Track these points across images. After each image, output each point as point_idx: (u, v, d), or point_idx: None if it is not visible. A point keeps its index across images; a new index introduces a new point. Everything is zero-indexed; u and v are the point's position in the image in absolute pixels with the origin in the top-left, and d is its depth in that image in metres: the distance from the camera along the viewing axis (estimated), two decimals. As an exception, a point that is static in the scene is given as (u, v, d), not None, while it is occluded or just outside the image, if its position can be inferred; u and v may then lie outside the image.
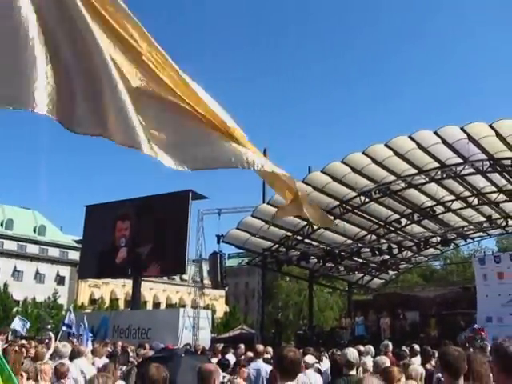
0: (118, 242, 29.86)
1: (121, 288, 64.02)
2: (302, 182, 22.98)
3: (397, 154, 21.54)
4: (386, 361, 6.93)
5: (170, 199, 28.36)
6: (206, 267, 27.74)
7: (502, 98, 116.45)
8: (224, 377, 8.49)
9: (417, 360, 10.07)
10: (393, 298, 28.69)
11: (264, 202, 25.60)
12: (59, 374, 6.86)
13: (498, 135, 19.47)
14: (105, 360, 10.76)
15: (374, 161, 22.00)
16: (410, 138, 20.60)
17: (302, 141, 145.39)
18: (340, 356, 7.23)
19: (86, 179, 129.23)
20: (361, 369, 7.47)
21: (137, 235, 29.21)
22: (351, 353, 6.61)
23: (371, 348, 11.34)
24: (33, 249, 63.71)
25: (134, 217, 29.81)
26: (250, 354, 11.30)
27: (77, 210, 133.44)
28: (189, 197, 27.58)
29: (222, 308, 71.28)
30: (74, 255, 59.53)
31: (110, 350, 13.15)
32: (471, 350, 11.49)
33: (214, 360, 9.69)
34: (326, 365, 9.92)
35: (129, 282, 36.75)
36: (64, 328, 17.97)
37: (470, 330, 18.23)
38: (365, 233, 27.75)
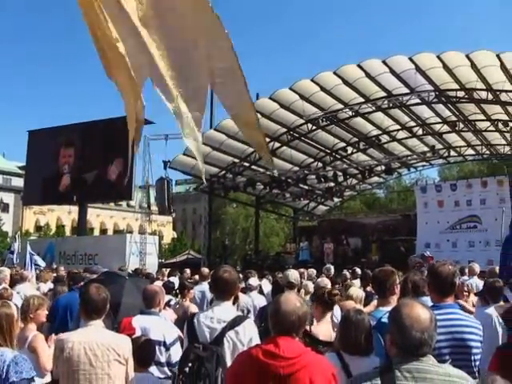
0: (61, 168, 29.28)
1: (67, 215, 63.36)
2: (250, 108, 22.84)
3: (345, 82, 21.52)
4: (327, 282, 7.14)
5: (115, 124, 27.64)
6: (153, 193, 27.58)
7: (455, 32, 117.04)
8: (170, 300, 8.63)
9: (357, 282, 10.43)
10: (337, 225, 29.42)
11: (211, 128, 25.40)
12: (3, 299, 6.80)
13: (445, 67, 19.61)
14: (50, 285, 10.78)
15: (322, 88, 21.95)
16: (359, 66, 20.54)
17: (250, 66, 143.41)
18: (281, 277, 7.42)
19: (28, 105, 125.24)
20: (302, 290, 7.68)
21: (81, 161, 28.62)
22: (292, 274, 6.78)
23: (313, 271, 11.72)
24: (-26, 175, 62.04)
25: (79, 142, 29.10)
26: (197, 277, 11.52)
27: (19, 135, 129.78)
28: (135, 122, 27.04)
29: (169, 234, 71.70)
30: (18, 182, 58.03)
31: (56, 275, 13.15)
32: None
33: (160, 283, 9.81)
34: (267, 287, 10.18)
35: (75, 209, 36.32)
36: (10, 255, 17.83)
37: (421, 256, 18.78)
38: (311, 160, 28.01)
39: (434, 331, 2.52)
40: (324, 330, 4.90)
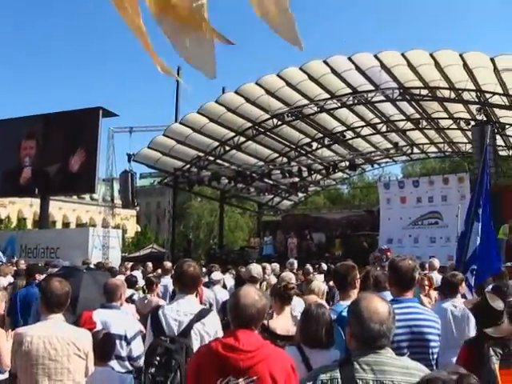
0: (22, 160, 28.83)
1: (28, 207, 62.12)
2: (215, 102, 22.80)
3: (311, 77, 21.59)
4: (291, 277, 7.15)
5: (79, 116, 27.40)
6: (116, 186, 27.35)
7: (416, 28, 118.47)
8: (133, 294, 8.57)
9: (321, 277, 10.54)
10: (301, 220, 29.54)
11: (176, 122, 25.27)
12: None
13: (410, 65, 19.83)
14: (10, 279, 10.61)
15: (288, 84, 21.98)
16: (325, 62, 20.63)
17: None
18: (244, 271, 7.44)
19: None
20: (265, 283, 7.72)
21: (44, 153, 28.21)
22: (255, 268, 6.79)
23: (277, 266, 11.80)
24: None
25: (41, 134, 28.68)
26: (160, 271, 11.47)
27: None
28: (99, 114, 26.74)
29: (133, 228, 71.05)
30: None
31: (16, 269, 12.95)
32: (378, 268, 12.10)
33: (122, 277, 9.74)
34: (230, 282, 10.20)
35: (37, 202, 35.76)
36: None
37: (379, 250, 19.05)
38: (276, 155, 28.06)
39: (393, 324, 2.57)
40: (282, 324, 4.94)
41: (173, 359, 3.70)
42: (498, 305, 3.87)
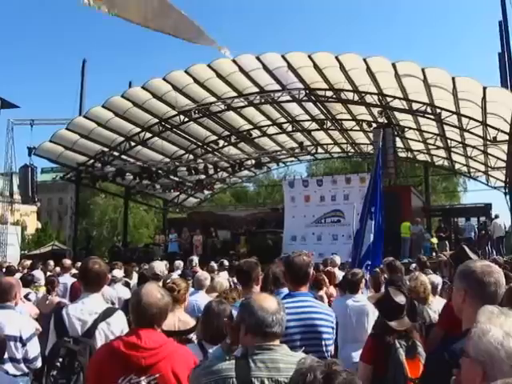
0: None
1: None
2: (122, 96, 22.36)
3: (218, 75, 21.62)
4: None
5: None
6: (16, 181, 26.32)
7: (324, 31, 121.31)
8: (29, 293, 8.26)
9: (225, 274, 10.58)
10: (206, 217, 29.55)
11: (80, 115, 24.56)
12: None
13: (316, 67, 20.26)
14: None
15: (196, 81, 21.90)
16: (233, 60, 20.69)
17: (123, 53, 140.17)
18: (147, 269, 7.36)
19: None
20: (169, 280, 7.64)
21: None
22: (158, 266, 6.74)
23: (181, 263, 11.78)
24: None
25: None
26: (58, 269, 11.14)
27: None
28: (-4, 105, 25.66)
29: (33, 224, 68.44)
30: None
31: None
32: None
33: (20, 275, 9.40)
34: (133, 279, 10.05)
35: None
36: None
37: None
38: (182, 152, 27.92)
39: (283, 314, 2.61)
40: (169, 320, 4.95)
41: (76, 361, 3.61)
42: (401, 299, 4.07)
